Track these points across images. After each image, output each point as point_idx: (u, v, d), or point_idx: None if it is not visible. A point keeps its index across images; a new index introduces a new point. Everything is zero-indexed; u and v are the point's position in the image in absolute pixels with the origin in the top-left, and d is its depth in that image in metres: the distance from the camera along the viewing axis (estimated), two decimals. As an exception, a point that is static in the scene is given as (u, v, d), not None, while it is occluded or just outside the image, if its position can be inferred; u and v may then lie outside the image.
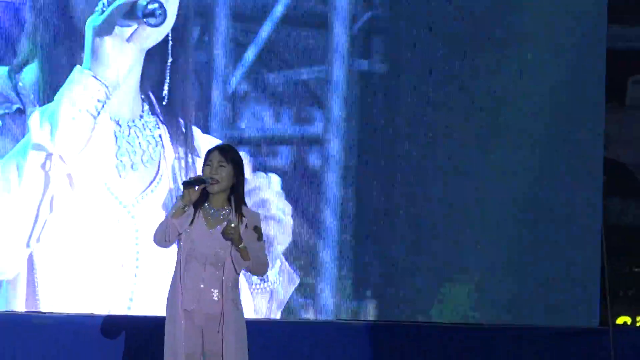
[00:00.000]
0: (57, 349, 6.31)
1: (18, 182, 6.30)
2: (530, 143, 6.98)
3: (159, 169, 6.42)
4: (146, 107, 6.52)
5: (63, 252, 6.28)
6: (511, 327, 7.11)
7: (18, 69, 6.56)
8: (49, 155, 6.18)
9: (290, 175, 6.76)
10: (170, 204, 5.72)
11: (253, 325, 5.34)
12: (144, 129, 6.50)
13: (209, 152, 5.01)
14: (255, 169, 6.61)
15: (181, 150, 6.50)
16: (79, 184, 6.32)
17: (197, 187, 4.85)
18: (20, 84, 6.51)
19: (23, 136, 6.35)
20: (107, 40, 6.29)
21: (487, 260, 7.00)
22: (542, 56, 7.00)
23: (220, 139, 6.40)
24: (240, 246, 4.90)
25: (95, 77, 6.30)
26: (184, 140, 6.53)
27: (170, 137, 6.51)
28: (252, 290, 6.52)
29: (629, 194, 9.39)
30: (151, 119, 6.50)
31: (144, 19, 6.31)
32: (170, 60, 6.43)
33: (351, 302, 6.83)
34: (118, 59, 6.31)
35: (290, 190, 6.63)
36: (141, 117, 6.50)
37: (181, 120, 6.49)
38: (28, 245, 6.22)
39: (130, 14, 6.33)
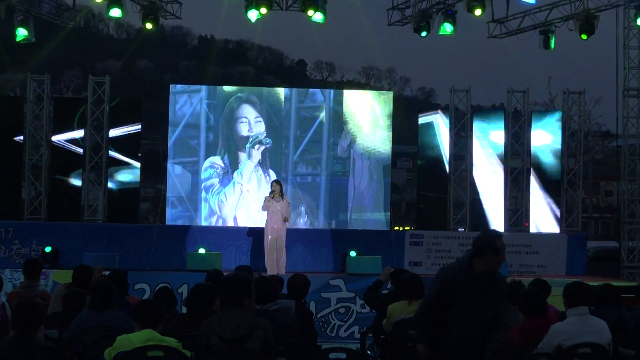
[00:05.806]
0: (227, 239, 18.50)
1: (233, 193, 19.15)
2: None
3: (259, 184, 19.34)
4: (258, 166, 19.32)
5: (243, 210, 19.23)
6: (346, 230, 18.64)
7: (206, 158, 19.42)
8: (240, 184, 19.21)
9: (313, 188, 19.58)
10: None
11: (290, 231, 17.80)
12: (256, 172, 19.24)
13: (272, 182, 17.56)
14: (301, 187, 19.31)
15: (268, 179, 19.12)
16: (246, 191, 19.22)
17: (272, 192, 17.52)
18: (224, 160, 19.32)
19: (229, 181, 19.20)
20: (252, 150, 19.15)
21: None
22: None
23: (288, 176, 19.28)
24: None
25: (250, 160, 19.19)
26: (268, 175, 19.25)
27: (264, 175, 19.22)
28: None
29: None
30: (259, 169, 19.28)
31: (266, 145, 19.12)
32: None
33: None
34: (256, 155, 19.24)
35: (314, 195, 19.43)
36: (256, 168, 19.24)
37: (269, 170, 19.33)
38: (235, 210, 19.28)
39: (257, 142, 19.16)
